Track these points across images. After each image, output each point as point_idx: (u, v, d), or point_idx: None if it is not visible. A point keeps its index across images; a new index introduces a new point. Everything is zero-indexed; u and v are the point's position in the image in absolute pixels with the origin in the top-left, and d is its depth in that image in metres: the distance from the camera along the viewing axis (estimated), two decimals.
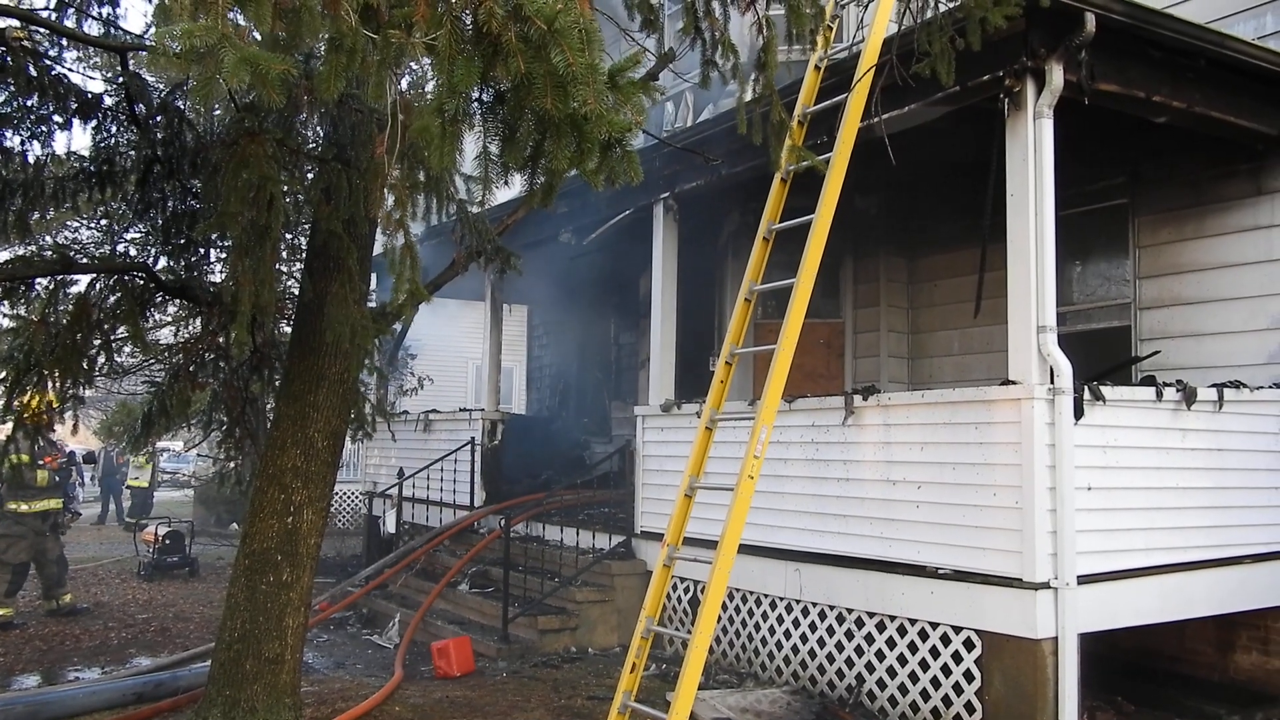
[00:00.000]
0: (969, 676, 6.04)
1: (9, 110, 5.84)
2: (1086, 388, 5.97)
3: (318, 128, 6.04)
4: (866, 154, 6.10)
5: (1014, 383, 5.91)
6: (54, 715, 6.29)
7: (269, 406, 8.37)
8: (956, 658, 6.13)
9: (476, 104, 2.57)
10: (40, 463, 10.00)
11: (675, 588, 8.33)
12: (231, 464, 7.77)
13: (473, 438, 11.47)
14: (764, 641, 7.51)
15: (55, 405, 6.51)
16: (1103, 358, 7.83)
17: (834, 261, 10.16)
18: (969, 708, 6.02)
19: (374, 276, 8.17)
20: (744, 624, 7.71)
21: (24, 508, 10.00)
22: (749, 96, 4.80)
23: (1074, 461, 5.80)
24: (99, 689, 6.74)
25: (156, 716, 6.32)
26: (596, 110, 2.30)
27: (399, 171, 3.17)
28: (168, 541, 13.29)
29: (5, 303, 5.60)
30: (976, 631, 6.02)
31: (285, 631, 5.69)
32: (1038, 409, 5.77)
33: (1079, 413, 5.87)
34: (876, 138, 6.39)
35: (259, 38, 2.95)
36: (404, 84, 4.81)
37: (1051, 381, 5.82)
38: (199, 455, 26.41)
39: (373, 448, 14.13)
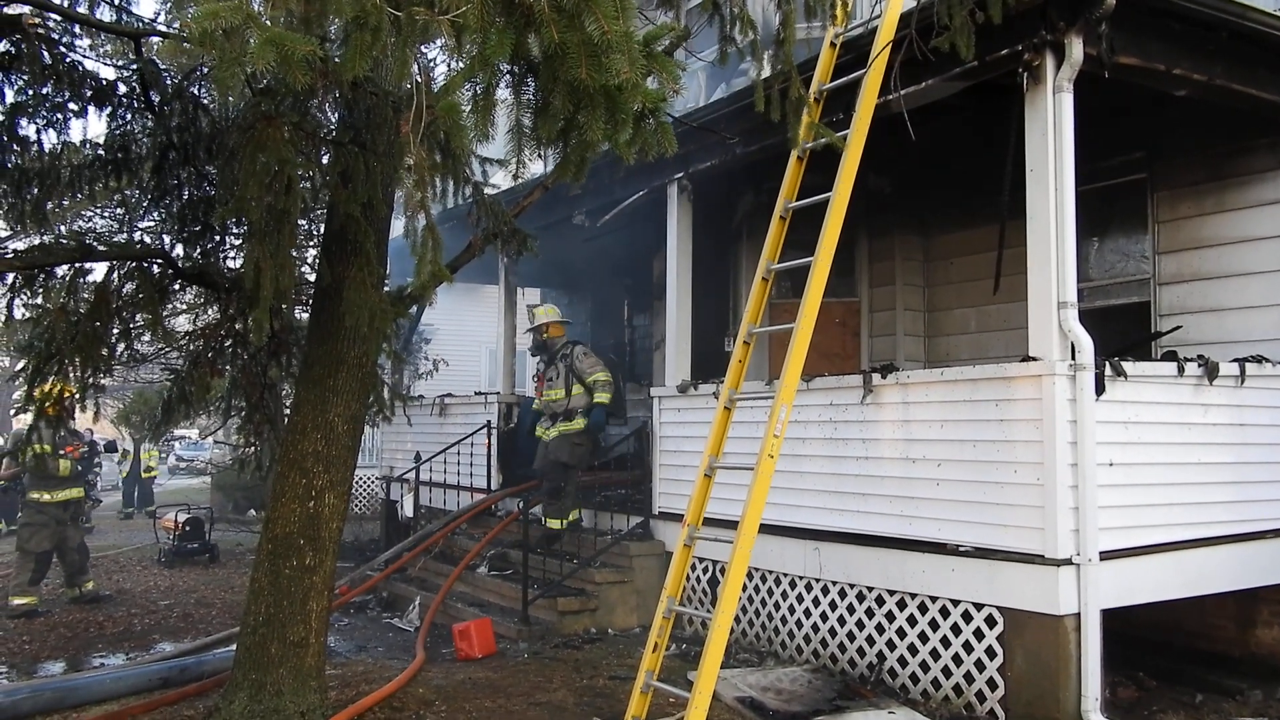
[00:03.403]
0: (990, 653, 6.03)
1: (25, 99, 5.82)
2: (1108, 364, 5.93)
3: (333, 113, 6.02)
4: (882, 131, 6.05)
5: (1035, 359, 5.87)
6: (81, 701, 6.33)
7: (284, 393, 8.37)
8: (978, 635, 6.11)
9: (509, 76, 2.53)
10: (62, 452, 10.03)
11: (694, 568, 8.33)
12: (251, 450, 7.77)
13: (489, 421, 11.46)
14: (784, 620, 7.51)
15: (76, 394, 6.53)
16: (1122, 334, 7.78)
17: (849, 240, 10.08)
18: (991, 684, 6.01)
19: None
20: (764, 603, 7.71)
21: (46, 497, 10.03)
22: (766, 73, 4.75)
23: (1096, 438, 5.77)
24: (125, 674, 6.78)
25: (183, 700, 6.34)
26: (632, 80, 2.26)
27: (423, 151, 3.14)
28: (188, 528, 13.35)
29: (26, 291, 5.59)
30: (998, 608, 6.01)
31: (309, 615, 5.70)
32: (1059, 385, 5.74)
33: (1100, 389, 5.84)
34: (892, 114, 6.34)
35: (269, 24, 2.92)
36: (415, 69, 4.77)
37: (1073, 358, 5.78)
38: (215, 442, 26.56)
39: (389, 433, 14.15)
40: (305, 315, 7.11)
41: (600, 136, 2.45)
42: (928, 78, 6.31)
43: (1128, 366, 6.05)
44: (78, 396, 6.29)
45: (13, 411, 25.72)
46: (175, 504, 15.20)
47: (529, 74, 2.53)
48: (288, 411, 6.68)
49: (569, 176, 3.04)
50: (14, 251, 5.98)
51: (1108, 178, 8.28)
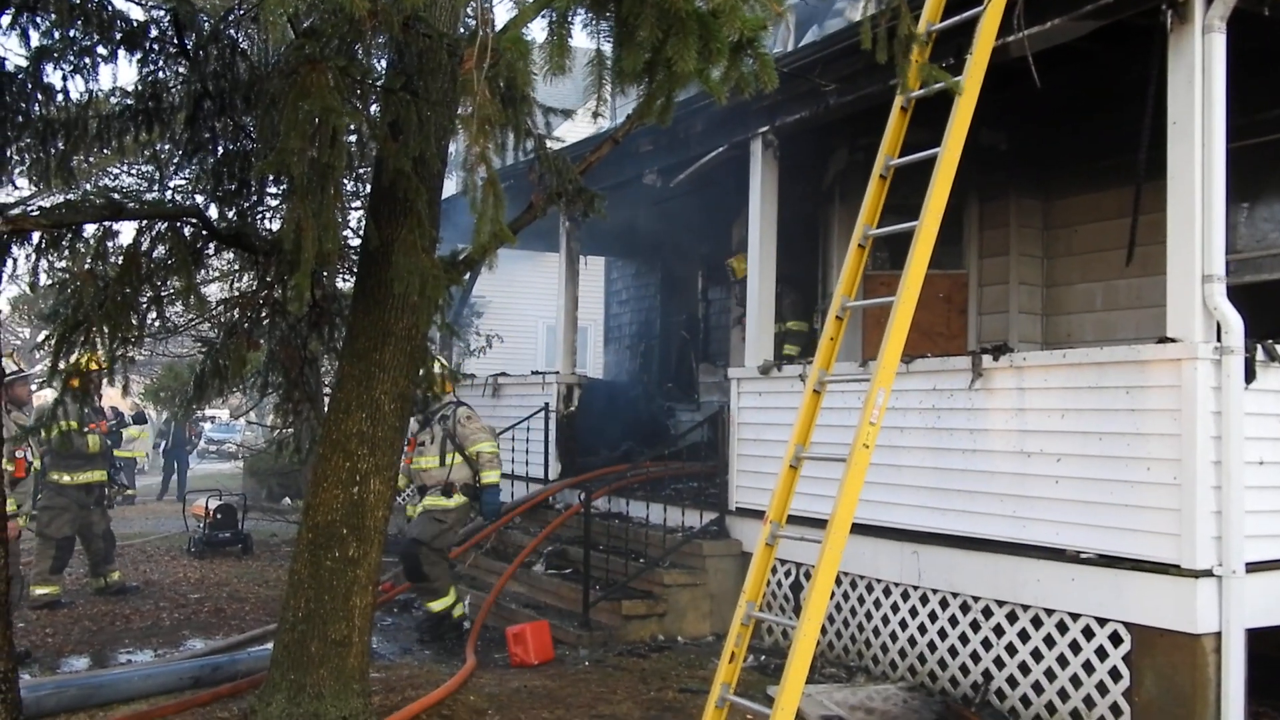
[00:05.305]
0: (1115, 675, 5.91)
1: (51, 42, 5.93)
2: (1260, 347, 5.78)
3: (380, 59, 6.05)
4: (996, 80, 5.92)
5: (1173, 340, 5.73)
6: (108, 699, 6.51)
7: (325, 369, 8.48)
8: (1100, 654, 6.00)
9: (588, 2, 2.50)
10: (89, 428, 10.21)
11: (775, 570, 8.31)
12: (289, 430, 7.90)
13: (546, 404, 11.52)
14: (876, 632, 7.45)
15: (103, 367, 6.66)
16: (1276, 314, 7.52)
17: (957, 204, 9.91)
18: (1115, 710, 5.90)
19: None
20: (854, 612, 7.66)
21: (67, 479, 10.19)
22: (870, 11, 4.67)
23: (1243, 432, 5.63)
24: (154, 672, 6.97)
25: (216, 701, 6.50)
26: (729, 3, 2.20)
27: (486, 92, 3.11)
28: (219, 516, 13.63)
29: (52, 252, 5.71)
30: (1124, 624, 5.89)
31: (352, 612, 5.79)
32: (1201, 371, 5.59)
33: (1250, 376, 5.70)
34: (1007, 61, 6.21)
35: None
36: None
37: (1218, 339, 5.63)
38: (248, 423, 27.17)
39: None
40: (349, 283, 7.19)
41: (692, 69, 2.39)
42: (1053, 17, 6.20)
43: None
44: (104, 369, 6.42)
45: (34, 387, 26.54)
46: (206, 490, 15.57)
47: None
48: (329, 389, 6.77)
49: (654, 117, 3.00)
50: (39, 209, 6.11)
51: (1262, 133, 7.98)
